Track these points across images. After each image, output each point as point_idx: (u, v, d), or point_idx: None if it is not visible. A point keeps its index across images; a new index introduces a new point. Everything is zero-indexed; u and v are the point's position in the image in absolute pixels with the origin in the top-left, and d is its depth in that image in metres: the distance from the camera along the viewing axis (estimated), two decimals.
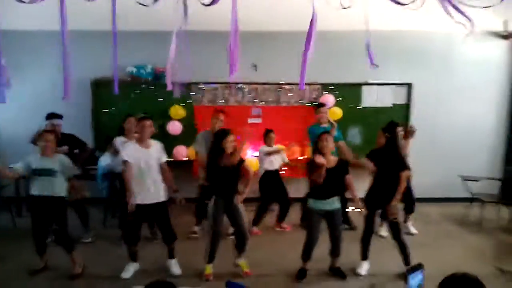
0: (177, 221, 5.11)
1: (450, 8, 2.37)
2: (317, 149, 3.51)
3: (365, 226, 3.83)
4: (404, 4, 2.54)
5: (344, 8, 2.61)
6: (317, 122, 5.03)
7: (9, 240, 4.59)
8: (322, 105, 5.24)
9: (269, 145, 4.94)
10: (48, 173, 3.53)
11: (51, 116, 4.48)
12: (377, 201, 3.72)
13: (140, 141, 3.61)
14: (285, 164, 5.23)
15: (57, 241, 3.71)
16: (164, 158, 3.75)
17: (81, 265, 3.75)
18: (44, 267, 3.74)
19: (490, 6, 2.55)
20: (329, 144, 3.48)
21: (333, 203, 3.55)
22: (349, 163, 3.73)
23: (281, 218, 5.12)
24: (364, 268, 3.81)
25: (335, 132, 4.64)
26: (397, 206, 3.62)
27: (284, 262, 3.98)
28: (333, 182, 3.49)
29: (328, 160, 3.46)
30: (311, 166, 3.50)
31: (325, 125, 4.93)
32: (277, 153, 4.95)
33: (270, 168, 4.94)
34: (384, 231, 4.84)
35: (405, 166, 3.60)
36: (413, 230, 4.98)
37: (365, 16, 2.71)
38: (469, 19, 2.44)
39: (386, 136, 3.65)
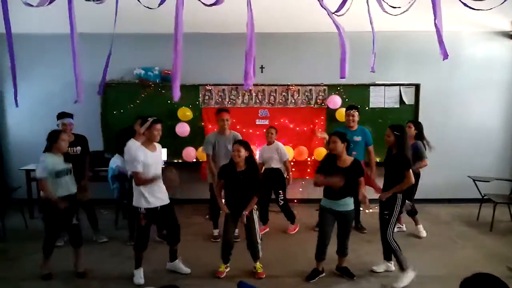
0: (188, 221, 5.17)
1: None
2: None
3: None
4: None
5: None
6: (347, 126, 4.86)
7: (21, 241, 4.65)
8: (351, 107, 4.87)
9: (269, 141, 4.83)
10: (68, 172, 3.64)
11: (62, 115, 4.38)
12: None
13: (148, 144, 3.54)
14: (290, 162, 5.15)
15: (71, 237, 3.71)
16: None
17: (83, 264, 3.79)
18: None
19: (491, 8, 2.52)
20: (338, 145, 3.45)
21: (346, 205, 3.51)
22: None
23: (290, 219, 5.03)
24: (382, 267, 3.80)
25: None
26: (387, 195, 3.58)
27: (295, 263, 3.98)
28: (346, 182, 3.40)
29: (343, 160, 3.49)
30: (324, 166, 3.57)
31: (354, 129, 4.81)
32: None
33: (268, 166, 4.91)
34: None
35: (409, 165, 3.54)
36: (423, 233, 4.85)
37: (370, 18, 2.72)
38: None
39: (395, 134, 3.60)
